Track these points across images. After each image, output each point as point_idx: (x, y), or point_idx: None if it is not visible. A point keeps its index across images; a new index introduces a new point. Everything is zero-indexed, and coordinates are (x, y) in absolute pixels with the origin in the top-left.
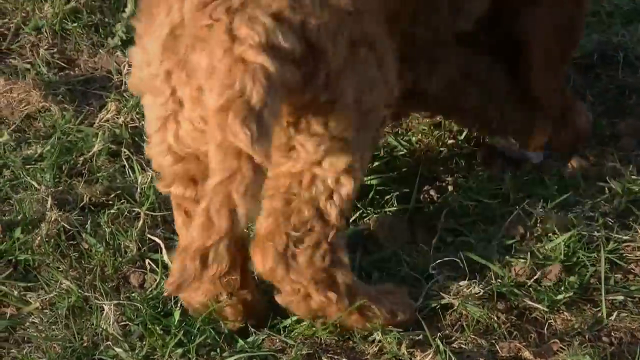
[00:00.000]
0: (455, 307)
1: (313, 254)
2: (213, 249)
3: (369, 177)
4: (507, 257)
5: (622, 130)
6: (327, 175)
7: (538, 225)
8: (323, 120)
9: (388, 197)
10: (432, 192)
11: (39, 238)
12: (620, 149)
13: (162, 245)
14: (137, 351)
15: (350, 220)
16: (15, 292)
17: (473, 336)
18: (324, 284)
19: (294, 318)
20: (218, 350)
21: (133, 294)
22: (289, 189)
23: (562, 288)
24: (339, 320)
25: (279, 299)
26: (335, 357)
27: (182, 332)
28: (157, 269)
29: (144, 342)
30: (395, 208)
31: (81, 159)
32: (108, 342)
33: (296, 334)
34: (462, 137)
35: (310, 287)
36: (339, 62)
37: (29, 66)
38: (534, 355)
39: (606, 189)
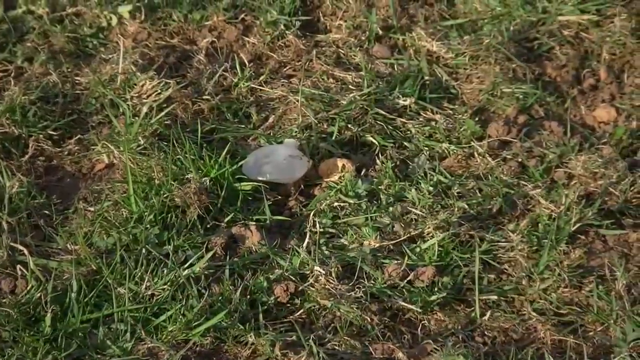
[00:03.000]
0: (329, 309)
1: None
2: None
3: (241, 183)
4: (380, 258)
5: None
6: None
7: (412, 225)
8: None
9: (260, 203)
10: (302, 197)
11: None
12: (490, 147)
13: (27, 252)
14: (7, 358)
15: (222, 225)
16: None
17: (347, 337)
18: None
19: (162, 317)
20: (87, 357)
21: (4, 300)
22: None
23: (436, 289)
24: None
25: None
26: None
27: (53, 338)
28: (27, 274)
29: (14, 349)
30: (265, 216)
31: None
32: None
33: (167, 336)
34: (333, 138)
35: None
36: None
37: None
38: (407, 356)
39: (478, 189)
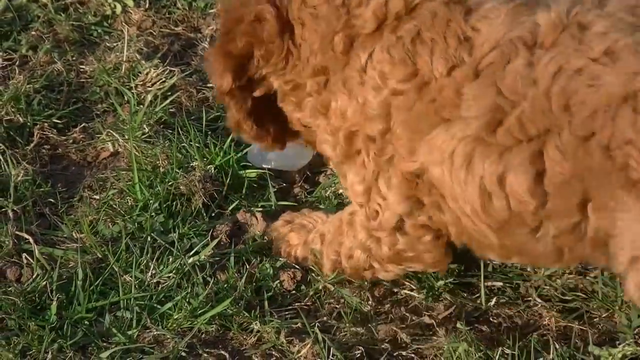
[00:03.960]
0: (334, 296)
1: None
2: None
3: (246, 171)
4: None
5: None
6: None
7: None
8: None
9: (264, 190)
10: (307, 184)
11: None
12: None
13: (32, 241)
14: (13, 346)
15: (227, 212)
16: None
17: (351, 323)
18: None
19: (168, 305)
20: (93, 345)
21: (10, 289)
22: None
23: (441, 275)
24: None
25: None
26: (214, 350)
27: (59, 326)
28: (33, 263)
29: (20, 337)
30: (270, 203)
31: None
32: None
33: (173, 324)
34: None
35: None
36: None
37: None
38: (412, 342)
39: None
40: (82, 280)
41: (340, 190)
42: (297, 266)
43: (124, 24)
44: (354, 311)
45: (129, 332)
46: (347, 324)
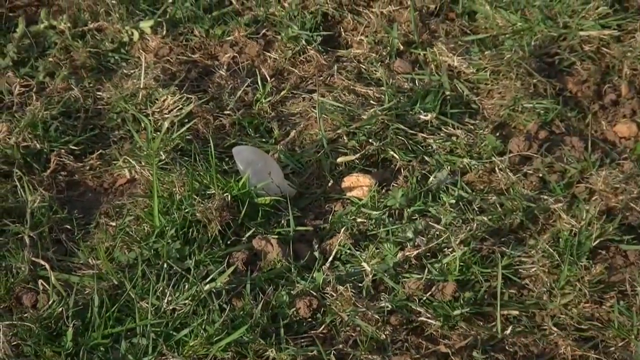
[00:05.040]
0: (349, 323)
1: None
2: None
3: (261, 198)
4: (401, 273)
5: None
6: None
7: (433, 240)
8: None
9: (280, 217)
10: (325, 211)
11: None
12: (511, 163)
13: (48, 267)
14: None
15: (243, 240)
16: None
17: (367, 352)
18: None
19: (184, 332)
20: None
21: (25, 315)
22: None
23: (457, 303)
24: None
25: None
26: None
27: (74, 352)
28: (49, 289)
29: None
30: (288, 229)
31: None
32: None
33: (189, 351)
34: (354, 152)
35: None
36: None
37: None
38: None
39: (499, 204)
40: (98, 306)
41: (358, 219)
42: (313, 293)
43: (141, 51)
44: (370, 339)
45: (145, 359)
46: (363, 352)
